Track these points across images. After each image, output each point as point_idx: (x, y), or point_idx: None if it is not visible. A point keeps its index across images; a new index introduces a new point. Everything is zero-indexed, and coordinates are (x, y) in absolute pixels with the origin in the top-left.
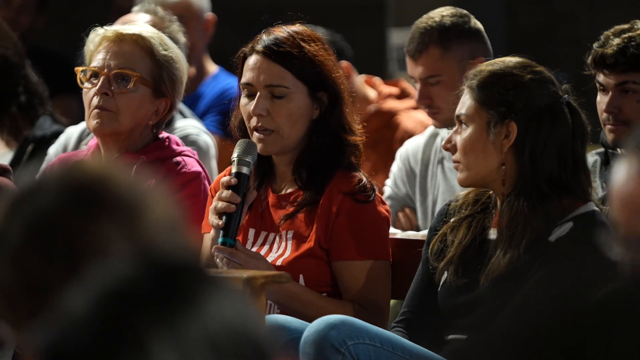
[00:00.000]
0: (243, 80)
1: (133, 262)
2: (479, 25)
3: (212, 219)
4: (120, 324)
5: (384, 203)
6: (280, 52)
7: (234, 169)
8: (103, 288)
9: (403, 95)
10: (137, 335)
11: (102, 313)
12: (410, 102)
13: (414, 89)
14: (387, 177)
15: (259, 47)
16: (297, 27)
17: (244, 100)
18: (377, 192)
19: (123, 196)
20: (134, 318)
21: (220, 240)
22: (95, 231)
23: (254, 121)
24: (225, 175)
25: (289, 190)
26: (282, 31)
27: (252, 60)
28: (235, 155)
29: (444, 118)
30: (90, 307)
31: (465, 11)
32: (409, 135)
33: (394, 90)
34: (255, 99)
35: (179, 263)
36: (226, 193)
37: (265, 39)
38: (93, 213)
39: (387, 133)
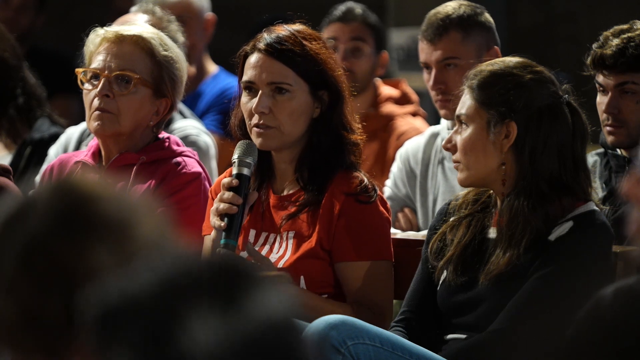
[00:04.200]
0: (245, 78)
1: (193, 257)
2: (492, 19)
3: (213, 220)
4: (173, 305)
5: (385, 203)
6: (283, 50)
7: (234, 171)
8: (163, 273)
9: (403, 99)
10: (186, 317)
11: (159, 293)
12: (409, 108)
13: (415, 94)
14: (380, 180)
15: (261, 45)
16: (298, 26)
17: (245, 98)
18: (378, 193)
19: (111, 215)
20: (187, 302)
21: (222, 241)
22: (86, 255)
23: (255, 119)
24: (225, 177)
25: (290, 191)
26: (283, 30)
27: (254, 58)
28: (235, 156)
29: (454, 106)
30: (149, 286)
31: (478, 5)
32: (403, 141)
33: (394, 93)
34: (258, 96)
35: (235, 264)
36: (227, 194)
37: (267, 37)
38: (82, 237)
39: (382, 136)
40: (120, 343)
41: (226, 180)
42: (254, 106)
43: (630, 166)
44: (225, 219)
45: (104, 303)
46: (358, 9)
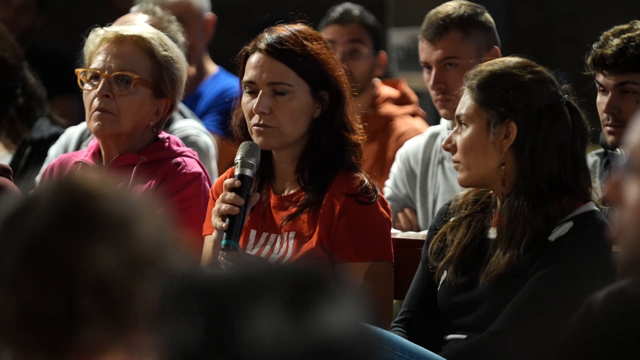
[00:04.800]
0: (245, 78)
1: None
2: (492, 19)
3: (215, 221)
4: (245, 298)
5: (385, 204)
6: (283, 50)
7: (237, 171)
8: (245, 266)
9: (403, 100)
10: (254, 314)
11: (236, 283)
12: (408, 109)
13: (414, 94)
14: (379, 180)
15: (262, 45)
16: (299, 26)
17: (245, 98)
18: (379, 193)
19: (113, 213)
20: (258, 299)
21: (223, 242)
22: (88, 253)
23: (255, 119)
24: (226, 177)
25: (291, 192)
26: (284, 30)
27: (255, 58)
28: (238, 157)
29: (454, 106)
30: (228, 274)
31: (479, 5)
32: (403, 142)
33: (393, 93)
34: (258, 96)
35: (316, 274)
36: (229, 195)
37: (267, 37)
38: (84, 235)
39: (382, 137)
40: (184, 324)
41: (228, 181)
42: (254, 106)
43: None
44: (227, 220)
45: (180, 281)
46: (355, 10)
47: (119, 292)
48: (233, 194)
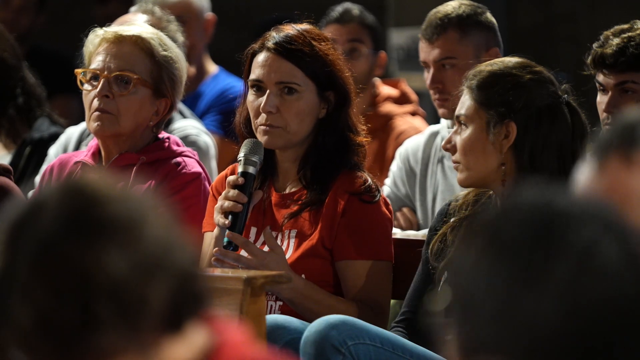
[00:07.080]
0: (252, 76)
1: None
2: (494, 19)
3: (217, 218)
4: None
5: (387, 204)
6: (292, 50)
7: (240, 168)
8: None
9: (403, 99)
10: None
11: None
12: (408, 108)
13: (414, 93)
14: (379, 179)
15: (270, 44)
16: (305, 26)
17: (251, 96)
18: (381, 193)
19: (121, 216)
20: None
21: (225, 240)
22: (99, 257)
23: (262, 118)
24: (227, 174)
25: (292, 190)
26: (292, 29)
27: (262, 57)
28: (241, 154)
29: (452, 106)
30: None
31: (480, 5)
32: (402, 140)
33: (393, 92)
34: (265, 95)
35: None
36: (233, 192)
37: (275, 36)
38: (94, 239)
39: (381, 136)
40: None
41: (232, 178)
42: (262, 105)
43: None
44: (230, 217)
45: None
46: (355, 9)
47: (132, 295)
48: (236, 191)
